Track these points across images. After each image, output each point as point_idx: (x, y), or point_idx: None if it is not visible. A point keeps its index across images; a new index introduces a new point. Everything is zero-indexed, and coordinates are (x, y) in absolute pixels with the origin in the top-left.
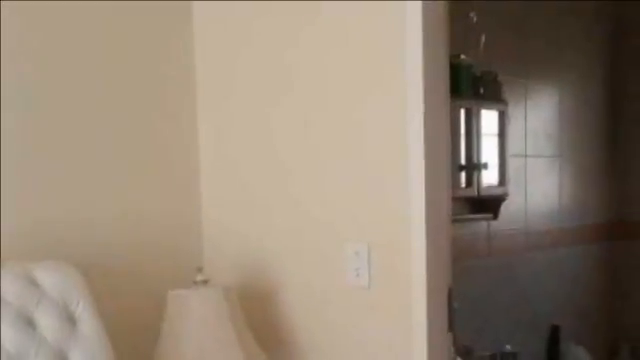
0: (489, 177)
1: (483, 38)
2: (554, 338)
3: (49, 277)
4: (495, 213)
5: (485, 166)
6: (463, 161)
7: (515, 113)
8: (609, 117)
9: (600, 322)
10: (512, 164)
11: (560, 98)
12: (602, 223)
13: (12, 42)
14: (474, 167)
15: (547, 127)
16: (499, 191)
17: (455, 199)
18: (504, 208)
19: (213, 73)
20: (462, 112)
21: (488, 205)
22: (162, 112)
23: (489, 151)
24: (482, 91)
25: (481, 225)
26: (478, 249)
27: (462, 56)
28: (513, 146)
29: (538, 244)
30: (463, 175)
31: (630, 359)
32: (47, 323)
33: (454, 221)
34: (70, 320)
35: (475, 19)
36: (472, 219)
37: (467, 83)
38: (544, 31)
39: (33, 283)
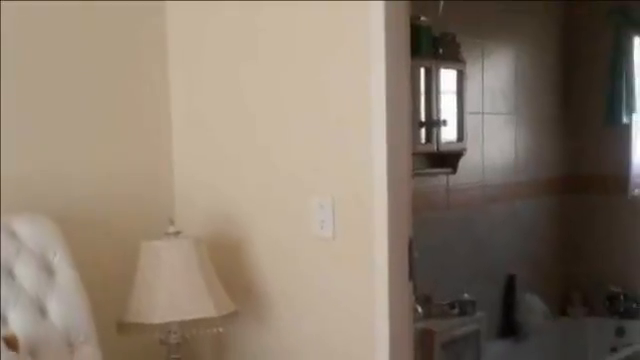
0: (448, 133)
1: (442, 2)
2: (510, 287)
3: (27, 229)
4: (454, 168)
5: (444, 123)
6: (423, 118)
7: (472, 72)
8: (562, 76)
9: (553, 271)
10: (470, 121)
11: (515, 58)
12: (555, 177)
13: None
14: (433, 124)
15: (503, 86)
16: (457, 147)
17: (415, 154)
18: (462, 163)
19: (184, 33)
20: (422, 71)
21: (447, 160)
22: (135, 71)
23: (448, 109)
24: (441, 51)
25: (440, 179)
26: (437, 202)
27: (422, 18)
28: (471, 104)
29: (495, 197)
30: (423, 131)
31: (581, 307)
32: (26, 273)
33: (414, 175)
34: (47, 270)
35: None
36: (432, 173)
37: (427, 44)
38: None
39: (12, 235)
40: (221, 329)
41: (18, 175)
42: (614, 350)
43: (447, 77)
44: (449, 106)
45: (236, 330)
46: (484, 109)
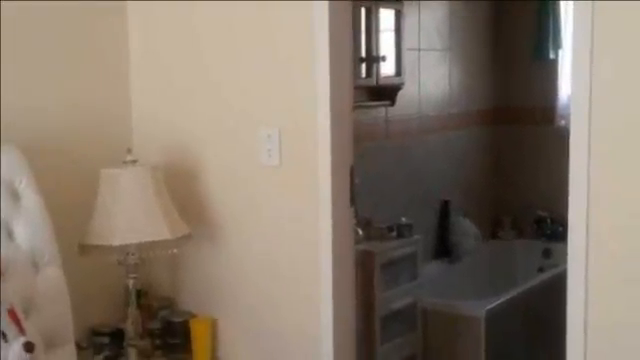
0: (387, 68)
1: None
2: (444, 211)
3: None
4: (392, 100)
5: (383, 59)
6: (363, 54)
7: (410, 12)
8: (493, 15)
9: (485, 197)
10: (407, 57)
11: None
12: (487, 109)
13: None
14: (373, 59)
15: (438, 24)
16: (396, 81)
17: (357, 88)
18: (400, 96)
19: None
20: (363, 11)
21: (386, 93)
22: (94, 12)
23: (387, 45)
24: None
25: (379, 111)
26: (377, 132)
27: None
28: (408, 41)
29: (430, 128)
30: (364, 67)
31: (511, 230)
32: None
33: (356, 108)
34: (14, 196)
35: None
36: (372, 106)
37: None
38: None
39: None
40: (175, 250)
41: None
42: (541, 270)
43: (386, 16)
44: (388, 43)
45: (189, 251)
46: (420, 46)
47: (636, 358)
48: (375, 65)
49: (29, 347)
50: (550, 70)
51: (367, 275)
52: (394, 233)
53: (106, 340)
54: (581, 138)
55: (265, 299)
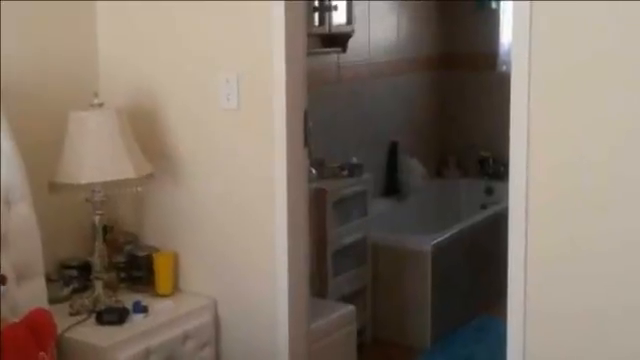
0: (338, 17)
1: None
2: (393, 151)
3: None
4: (343, 47)
5: (335, 8)
6: (316, 4)
7: None
8: None
9: (431, 138)
10: (358, 6)
11: None
12: (433, 55)
13: None
14: (326, 9)
15: None
16: (347, 29)
17: (310, 36)
18: (351, 43)
19: None
20: None
21: (337, 41)
22: None
23: None
24: None
25: (332, 57)
26: (329, 78)
27: None
28: None
29: (379, 73)
30: (316, 15)
31: (456, 169)
32: None
33: (309, 54)
34: None
35: None
36: (324, 52)
37: None
38: None
39: None
40: (139, 188)
41: None
42: (484, 207)
43: None
44: None
45: (153, 189)
46: None
47: (570, 287)
48: (327, 14)
49: (2, 280)
50: (492, 19)
51: (320, 212)
52: (345, 172)
53: (74, 273)
54: (521, 83)
55: (223, 234)
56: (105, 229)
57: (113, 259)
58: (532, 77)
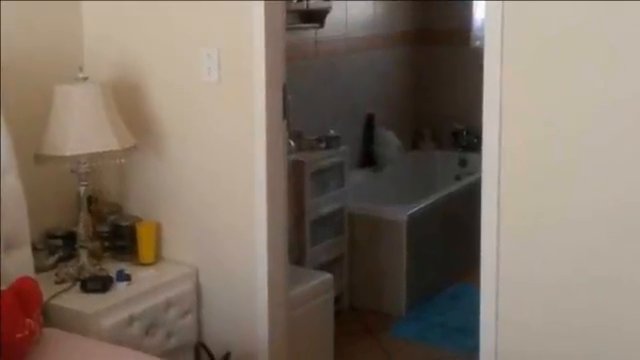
0: None
1: None
2: (369, 124)
3: None
4: (321, 23)
5: None
6: None
7: None
8: None
9: (406, 111)
10: None
11: None
12: (409, 30)
13: None
14: None
15: None
16: (324, 5)
17: (289, 12)
18: (328, 19)
19: None
20: None
21: (315, 16)
22: None
23: None
24: None
25: (310, 33)
26: (307, 52)
27: None
28: None
29: (356, 48)
30: None
31: (430, 141)
32: None
33: (288, 30)
34: None
35: None
36: (302, 28)
37: None
38: None
39: None
40: (123, 160)
41: None
42: (458, 178)
43: None
44: None
45: (136, 161)
46: None
47: (541, 255)
48: None
49: None
50: None
51: (298, 183)
52: (323, 144)
53: (59, 242)
54: (493, 58)
55: (205, 204)
56: (90, 200)
57: (97, 229)
58: (504, 52)
